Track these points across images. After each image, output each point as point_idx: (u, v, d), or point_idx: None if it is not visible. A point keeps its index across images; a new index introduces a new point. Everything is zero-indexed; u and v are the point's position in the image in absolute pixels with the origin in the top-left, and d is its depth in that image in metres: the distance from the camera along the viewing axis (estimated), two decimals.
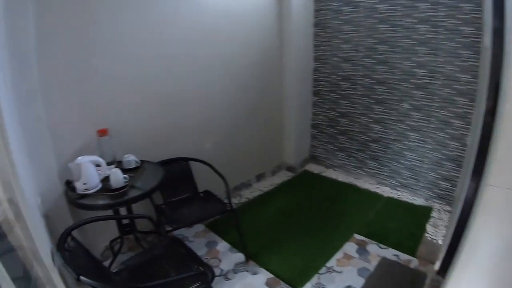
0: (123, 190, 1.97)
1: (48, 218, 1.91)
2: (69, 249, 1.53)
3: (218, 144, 3.23)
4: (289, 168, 4.07)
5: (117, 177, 1.99)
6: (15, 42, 1.73)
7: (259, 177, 3.83)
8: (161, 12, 2.51)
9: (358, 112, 3.59)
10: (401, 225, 2.92)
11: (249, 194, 3.55)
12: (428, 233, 2.77)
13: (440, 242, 2.64)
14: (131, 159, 2.28)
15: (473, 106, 2.79)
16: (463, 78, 2.82)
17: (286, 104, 3.86)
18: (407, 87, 3.17)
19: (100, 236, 2.46)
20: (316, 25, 3.71)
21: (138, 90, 2.49)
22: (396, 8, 3.05)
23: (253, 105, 3.52)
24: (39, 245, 1.38)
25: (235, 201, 3.38)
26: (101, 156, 2.11)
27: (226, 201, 2.52)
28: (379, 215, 3.09)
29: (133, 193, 1.98)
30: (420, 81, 3.07)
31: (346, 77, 3.59)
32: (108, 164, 2.19)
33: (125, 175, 2.05)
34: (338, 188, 3.63)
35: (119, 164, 2.28)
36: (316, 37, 3.74)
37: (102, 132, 2.23)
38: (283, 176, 3.96)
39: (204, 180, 2.77)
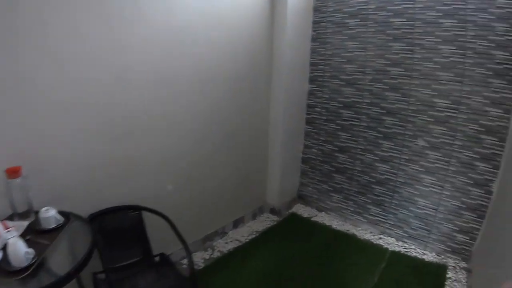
0: (25, 274, 1.23)
1: None
2: None
3: (185, 183, 2.55)
4: (273, 211, 3.39)
5: (17, 252, 1.25)
6: None
7: (237, 223, 3.13)
8: (105, 10, 1.84)
9: (361, 147, 3.01)
10: None
11: (223, 245, 2.84)
12: None
13: None
14: (50, 215, 1.53)
15: (503, 146, 2.45)
16: (493, 113, 2.42)
17: (272, 132, 3.22)
18: (424, 120, 2.69)
19: None
20: (314, 39, 3.13)
21: (74, 113, 1.80)
22: (415, 24, 2.58)
23: (231, 133, 2.86)
24: None
25: (205, 255, 2.69)
26: (12, 207, 1.48)
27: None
28: (385, 278, 2.51)
29: (41, 279, 1.24)
30: (440, 114, 2.62)
31: (348, 105, 3.01)
32: (21, 216, 1.53)
33: (29, 249, 1.30)
34: (333, 238, 3.00)
35: (35, 219, 1.54)
36: (314, 54, 3.17)
37: (12, 172, 1.50)
38: (266, 221, 3.28)
39: (163, 234, 2.04)
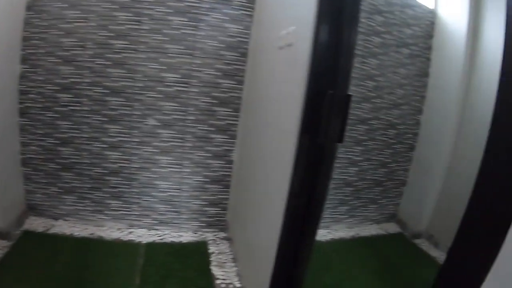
0: None
1: None
2: None
3: None
4: (0, 235, 2.53)
5: None
6: None
7: None
8: None
9: (86, 135, 2.54)
10: (180, 282, 2.21)
11: None
12: (218, 278, 2.29)
13: (238, 284, 2.24)
14: None
15: (238, 116, 2.61)
16: (226, 84, 2.50)
17: None
18: (153, 97, 2.48)
19: None
20: (29, 7, 2.45)
21: None
22: None
23: None
24: None
25: None
26: None
27: None
28: (147, 275, 2.23)
29: None
30: (170, 89, 2.47)
31: (67, 87, 2.48)
32: None
33: None
34: (78, 249, 2.46)
35: None
36: (28, 26, 2.49)
37: None
38: None
39: None
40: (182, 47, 2.41)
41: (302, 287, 1.66)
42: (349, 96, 1.39)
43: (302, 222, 1.54)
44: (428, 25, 3.23)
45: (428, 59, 3.29)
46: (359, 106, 3.02)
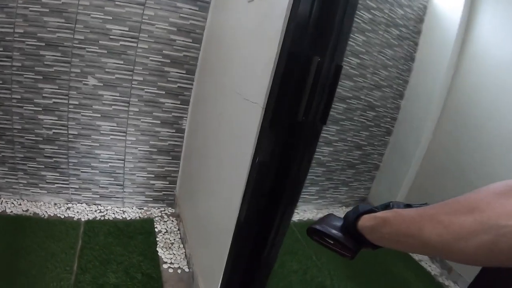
0: None
1: None
2: None
3: None
4: None
5: None
6: None
7: None
8: None
9: (17, 96, 2.17)
10: (122, 268, 1.97)
11: None
12: (165, 262, 2.11)
13: (187, 269, 2.09)
14: None
15: (192, 79, 2.35)
16: (180, 42, 2.24)
17: None
18: (95, 52, 2.16)
19: None
20: None
21: None
22: None
23: None
24: None
25: None
26: None
27: None
28: (87, 259, 1.99)
29: None
30: (115, 44, 2.16)
31: None
32: None
33: None
34: (14, 229, 2.15)
35: None
36: None
37: None
38: None
39: None
40: None
41: (270, 273, 1.46)
42: (340, 67, 1.14)
43: (268, 199, 1.31)
44: (421, 8, 3.11)
45: (416, 44, 3.23)
46: (340, 82, 2.79)
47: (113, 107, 2.20)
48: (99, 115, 2.22)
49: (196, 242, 2.07)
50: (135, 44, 2.16)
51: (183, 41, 2.21)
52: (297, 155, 1.25)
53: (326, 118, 1.20)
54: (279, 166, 1.25)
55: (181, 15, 2.18)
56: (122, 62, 2.16)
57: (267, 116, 1.23)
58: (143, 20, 2.14)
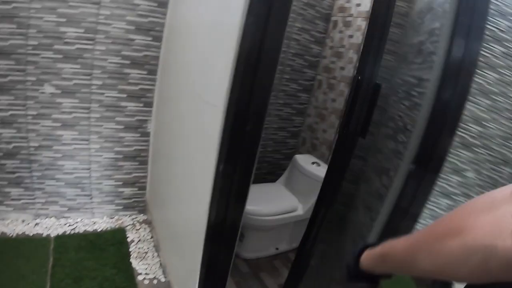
0: None
1: None
2: None
3: None
4: None
5: None
6: None
7: None
8: None
9: None
10: (96, 284, 1.91)
11: None
12: (140, 273, 2.02)
13: (163, 278, 2.01)
14: None
15: (155, 80, 2.26)
16: (139, 41, 2.14)
17: None
18: (50, 58, 2.05)
19: None
20: None
21: None
22: None
23: None
24: None
25: None
26: None
27: None
28: (59, 277, 1.90)
29: None
30: (70, 48, 2.05)
31: None
32: None
33: None
34: None
35: None
36: None
37: None
38: None
39: None
40: None
41: None
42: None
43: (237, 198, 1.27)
44: None
45: None
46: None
47: (73, 114, 2.10)
48: (60, 124, 2.12)
49: (169, 248, 2.01)
50: (91, 47, 2.06)
51: (142, 40, 2.12)
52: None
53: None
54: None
55: (139, 12, 2.08)
56: (79, 67, 2.06)
57: (228, 119, 1.16)
58: (98, 21, 2.04)
